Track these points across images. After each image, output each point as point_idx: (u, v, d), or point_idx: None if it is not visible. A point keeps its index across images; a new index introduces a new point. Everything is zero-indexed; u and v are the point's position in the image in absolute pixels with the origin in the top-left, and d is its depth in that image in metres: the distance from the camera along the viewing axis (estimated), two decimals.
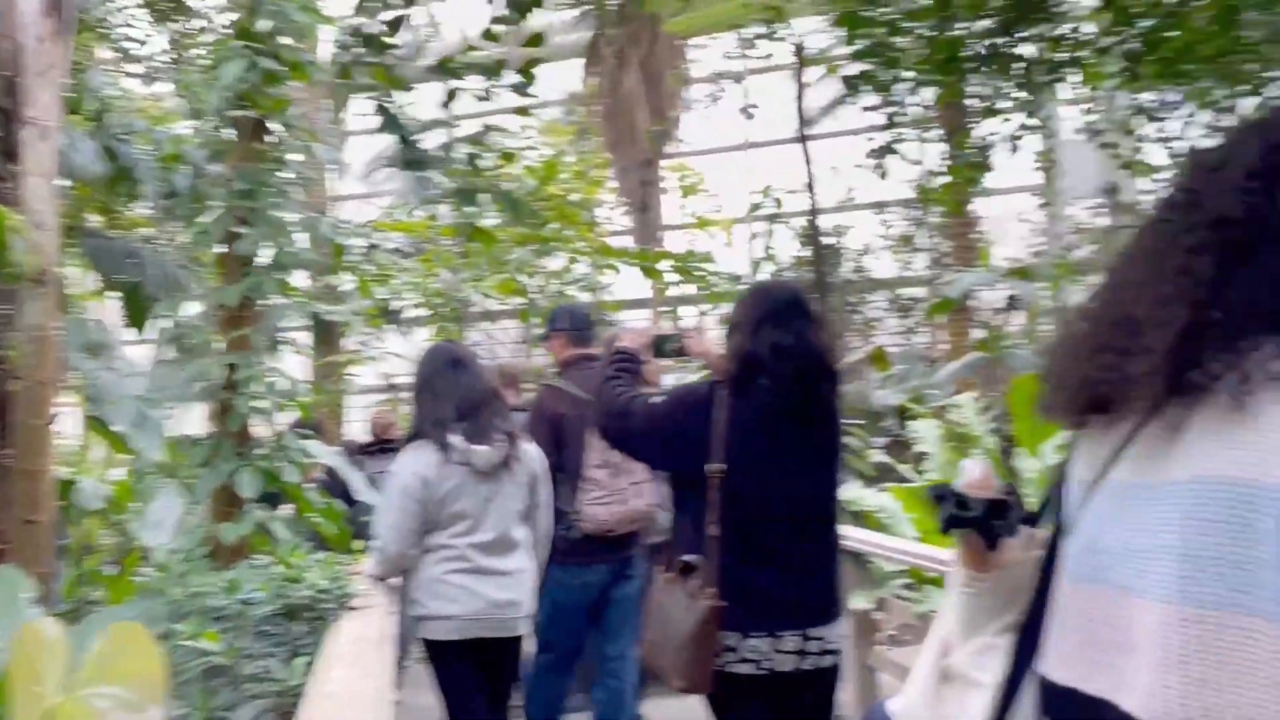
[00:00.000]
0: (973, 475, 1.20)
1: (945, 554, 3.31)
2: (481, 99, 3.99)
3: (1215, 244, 1.03)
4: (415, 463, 3.08)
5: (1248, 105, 4.75)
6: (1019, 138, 4.81)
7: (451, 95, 3.75)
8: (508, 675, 3.26)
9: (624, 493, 3.58)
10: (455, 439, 3.08)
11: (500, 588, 3.09)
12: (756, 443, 2.35)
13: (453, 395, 3.15)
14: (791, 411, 2.36)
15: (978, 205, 10.54)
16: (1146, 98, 5.14)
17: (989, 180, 5.45)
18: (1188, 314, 1.01)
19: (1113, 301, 1.13)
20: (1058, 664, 1.14)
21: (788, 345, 2.36)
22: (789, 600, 2.35)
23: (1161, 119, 5.19)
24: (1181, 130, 5.21)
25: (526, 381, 5.92)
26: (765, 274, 11.16)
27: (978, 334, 9.49)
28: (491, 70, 3.70)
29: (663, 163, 12.28)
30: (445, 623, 3.06)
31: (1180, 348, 1.00)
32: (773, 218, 11.75)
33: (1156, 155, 5.62)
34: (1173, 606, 0.96)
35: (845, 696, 3.74)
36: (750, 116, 9.16)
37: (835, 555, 2.50)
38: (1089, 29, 4.43)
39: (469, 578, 3.06)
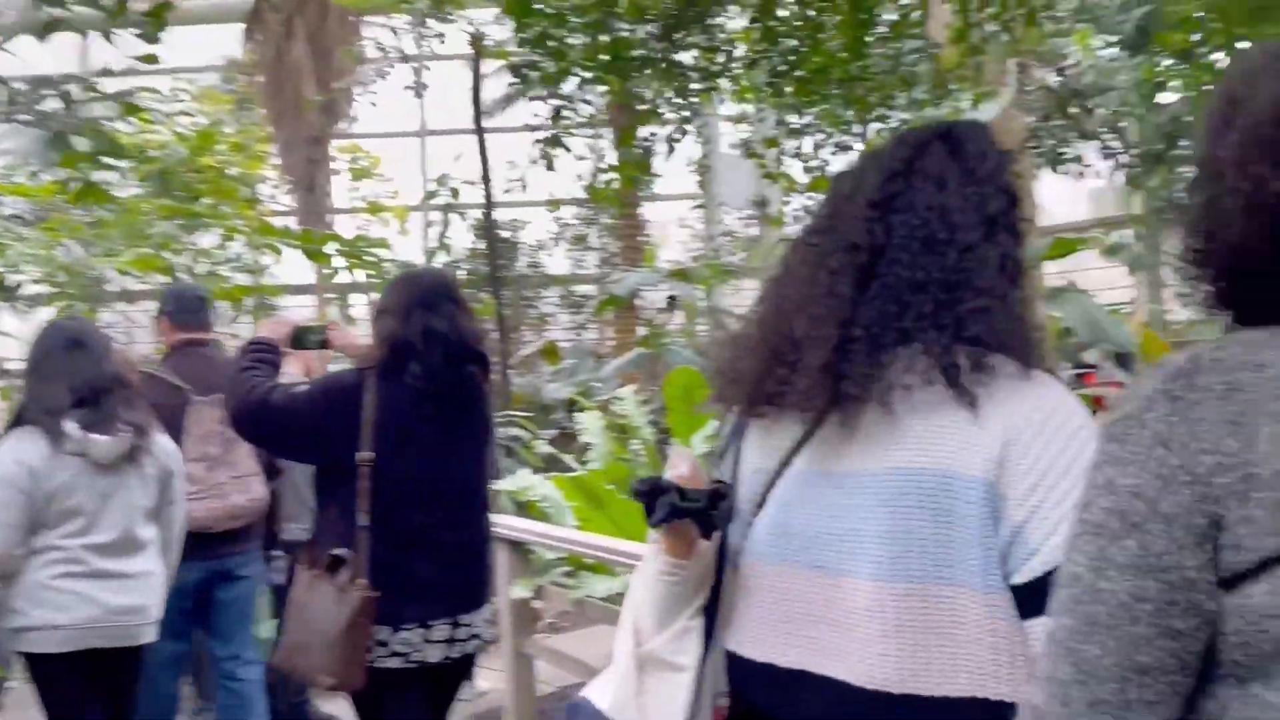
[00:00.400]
0: (682, 468, 1.23)
1: (609, 541, 3.40)
2: (79, 34, 3.50)
3: (850, 267, 1.14)
4: (19, 450, 2.72)
5: (872, 130, 5.32)
6: (677, 140, 5.07)
7: (50, 26, 3.23)
8: (129, 689, 2.95)
9: (223, 488, 3.36)
10: (70, 427, 2.75)
11: (121, 592, 2.80)
12: (407, 429, 2.31)
13: (69, 379, 2.81)
14: (442, 397, 2.34)
15: (646, 209, 11.06)
16: (791, 116, 5.61)
17: (657, 186, 5.70)
18: (836, 333, 1.11)
19: (776, 314, 1.21)
20: (749, 641, 1.19)
21: (439, 330, 2.34)
22: (441, 588, 2.33)
23: (800, 135, 5.69)
24: (814, 149, 5.74)
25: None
26: (440, 263, 11.01)
27: (642, 331, 9.93)
28: (110, 11, 3.25)
29: (334, 143, 11.76)
30: (52, 633, 2.72)
31: (833, 364, 1.11)
32: (448, 208, 11.61)
33: (797, 170, 6.14)
34: (883, 583, 1.05)
35: (501, 684, 3.76)
36: (419, 95, 8.92)
37: (487, 540, 2.51)
38: (744, 45, 4.76)
39: (82, 582, 2.74)
